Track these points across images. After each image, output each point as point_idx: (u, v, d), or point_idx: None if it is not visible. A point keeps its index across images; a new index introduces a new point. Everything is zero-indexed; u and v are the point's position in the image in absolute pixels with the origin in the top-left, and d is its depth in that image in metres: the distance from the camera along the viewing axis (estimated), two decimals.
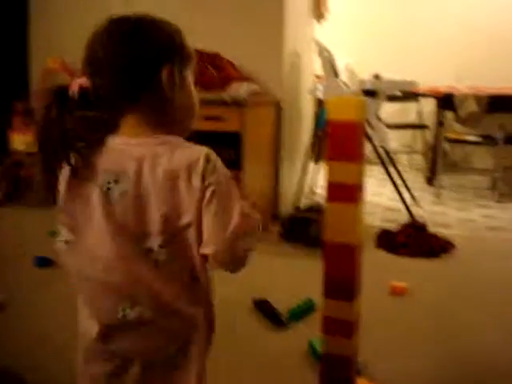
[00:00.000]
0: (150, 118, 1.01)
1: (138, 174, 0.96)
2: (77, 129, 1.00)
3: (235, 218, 0.95)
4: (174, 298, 1.01)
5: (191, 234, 0.97)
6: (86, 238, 1.02)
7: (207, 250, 0.96)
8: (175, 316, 1.02)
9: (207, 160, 0.95)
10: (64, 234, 1.07)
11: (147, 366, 1.03)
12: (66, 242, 1.07)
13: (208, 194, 0.95)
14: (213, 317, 1.11)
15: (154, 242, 0.97)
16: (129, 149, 0.99)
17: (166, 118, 1.02)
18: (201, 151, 0.97)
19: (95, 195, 1.00)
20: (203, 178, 0.94)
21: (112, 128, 1.03)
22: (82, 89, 1.02)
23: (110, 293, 1.01)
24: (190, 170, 0.95)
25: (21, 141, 3.96)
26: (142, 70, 0.99)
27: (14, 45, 4.28)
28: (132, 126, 1.02)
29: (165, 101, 1.01)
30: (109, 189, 0.98)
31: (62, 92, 1.02)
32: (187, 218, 0.96)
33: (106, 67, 1.00)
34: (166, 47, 1.01)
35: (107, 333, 1.02)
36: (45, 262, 2.86)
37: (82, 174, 1.01)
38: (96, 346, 1.04)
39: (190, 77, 1.05)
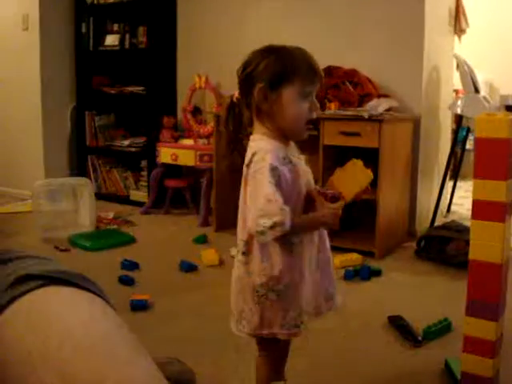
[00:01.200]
0: (258, 122, 1.40)
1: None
2: (240, 122, 1.44)
3: (260, 200, 1.29)
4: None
5: None
6: None
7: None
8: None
9: (253, 154, 1.34)
10: None
11: None
12: None
13: (249, 177, 1.34)
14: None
15: None
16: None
17: (268, 122, 1.39)
18: (254, 148, 1.35)
19: None
20: (248, 167, 1.35)
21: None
22: (237, 98, 1.44)
23: None
24: (247, 159, 1.36)
25: (168, 153, 4.25)
26: (246, 87, 1.39)
27: (164, 64, 4.60)
28: (254, 126, 1.42)
29: (261, 111, 1.38)
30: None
31: (231, 99, 1.46)
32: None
33: (239, 81, 1.42)
34: (261, 71, 1.36)
35: None
36: (190, 267, 3.05)
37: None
38: None
39: (289, 95, 1.36)
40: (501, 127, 1.29)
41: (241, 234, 1.42)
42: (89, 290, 0.52)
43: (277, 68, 1.35)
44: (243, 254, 1.42)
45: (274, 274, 1.37)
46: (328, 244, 1.51)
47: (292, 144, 1.45)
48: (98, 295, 0.54)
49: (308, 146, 1.51)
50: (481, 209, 1.33)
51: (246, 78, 1.39)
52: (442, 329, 2.29)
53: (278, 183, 1.30)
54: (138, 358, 0.47)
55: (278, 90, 1.36)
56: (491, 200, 1.31)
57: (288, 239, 1.36)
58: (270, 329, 1.40)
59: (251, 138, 1.41)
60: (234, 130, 1.45)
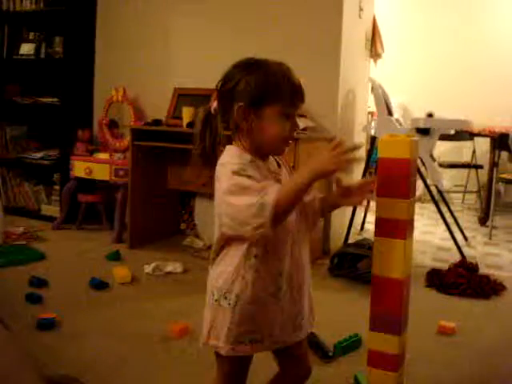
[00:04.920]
0: (235, 137, 1.36)
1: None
2: (216, 137, 1.39)
3: (239, 202, 1.23)
4: None
5: None
6: None
7: None
8: None
9: (221, 164, 1.30)
10: None
11: None
12: None
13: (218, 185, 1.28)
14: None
15: None
16: None
17: (246, 140, 1.33)
18: (223, 158, 1.32)
19: None
20: (216, 173, 1.30)
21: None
22: (215, 109, 1.39)
23: None
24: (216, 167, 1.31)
25: (81, 167, 4.13)
26: (224, 103, 1.35)
27: (80, 76, 4.49)
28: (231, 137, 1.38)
29: (240, 129, 1.33)
30: None
31: (208, 111, 1.40)
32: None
33: (218, 95, 1.38)
34: (242, 89, 1.31)
35: None
36: (100, 285, 2.97)
37: None
38: None
39: (269, 116, 1.31)
40: (402, 148, 1.34)
41: (215, 237, 1.38)
42: None
43: (258, 88, 1.30)
44: (213, 258, 1.38)
45: (228, 281, 1.32)
46: (308, 264, 1.43)
47: (271, 158, 1.40)
48: None
49: None
50: (383, 226, 1.37)
51: (226, 93, 1.34)
52: (352, 344, 2.33)
53: (249, 176, 1.24)
54: (21, 376, 0.45)
55: (258, 111, 1.31)
56: (393, 218, 1.35)
57: (250, 250, 1.30)
58: (216, 340, 1.34)
59: (226, 148, 1.37)
60: (211, 144, 1.38)
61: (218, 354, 1.38)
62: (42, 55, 4.57)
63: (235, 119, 1.32)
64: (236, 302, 1.31)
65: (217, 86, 1.38)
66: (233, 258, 1.32)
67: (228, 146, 1.35)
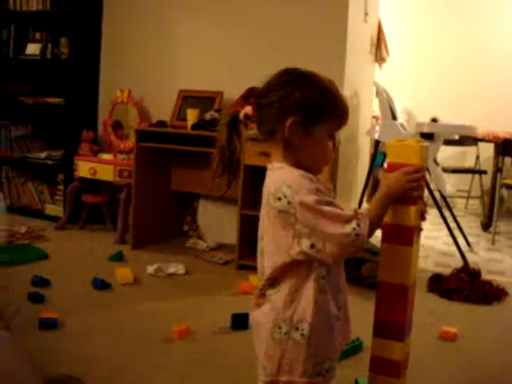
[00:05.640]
0: (281, 152, 1.26)
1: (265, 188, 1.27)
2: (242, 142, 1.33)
3: (328, 223, 1.18)
4: None
5: None
6: None
7: None
8: None
9: (289, 186, 1.18)
10: None
11: None
12: None
13: (291, 211, 1.18)
14: None
15: None
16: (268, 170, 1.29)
17: (292, 156, 1.25)
18: (284, 178, 1.21)
19: None
20: (280, 199, 1.19)
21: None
22: (246, 115, 1.32)
23: None
24: (276, 191, 1.20)
25: (86, 167, 4.14)
26: (266, 113, 1.25)
27: (86, 76, 4.49)
28: (271, 153, 1.29)
29: (290, 144, 1.24)
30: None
31: (235, 115, 1.33)
32: None
33: (258, 103, 1.27)
34: (297, 102, 1.22)
35: None
36: (102, 285, 2.97)
37: None
38: None
39: (321, 134, 1.25)
40: (413, 153, 1.33)
41: (267, 262, 1.27)
42: None
43: (316, 103, 1.22)
44: (270, 285, 1.26)
45: (299, 310, 1.22)
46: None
47: None
48: None
49: None
50: (390, 232, 1.37)
51: (270, 103, 1.24)
52: (353, 348, 2.33)
53: (329, 202, 1.19)
54: (22, 376, 0.46)
55: (311, 127, 1.22)
56: (400, 224, 1.35)
57: (319, 272, 1.23)
58: (289, 375, 1.23)
59: (272, 166, 1.27)
60: (240, 151, 1.30)
61: None
62: (48, 55, 4.56)
63: (286, 134, 1.22)
64: (310, 332, 1.22)
65: (259, 93, 1.28)
66: (300, 283, 1.23)
67: (280, 164, 1.25)
